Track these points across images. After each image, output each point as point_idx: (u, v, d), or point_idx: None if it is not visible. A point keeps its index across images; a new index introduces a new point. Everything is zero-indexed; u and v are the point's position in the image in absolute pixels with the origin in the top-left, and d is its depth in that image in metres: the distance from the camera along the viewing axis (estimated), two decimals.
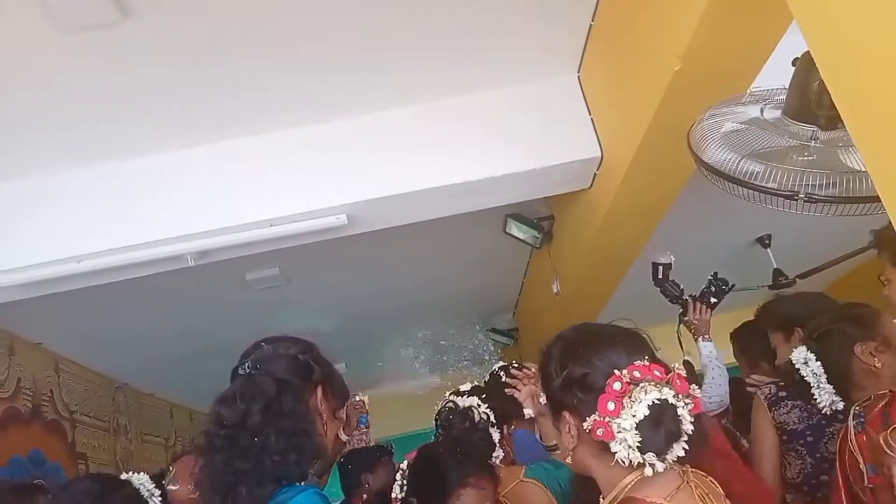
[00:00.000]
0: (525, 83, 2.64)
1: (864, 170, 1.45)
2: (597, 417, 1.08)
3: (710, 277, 2.70)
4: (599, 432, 1.08)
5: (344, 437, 1.60)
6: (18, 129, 2.29)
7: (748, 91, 1.78)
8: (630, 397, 1.07)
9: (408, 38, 2.29)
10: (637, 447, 1.05)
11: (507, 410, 2.11)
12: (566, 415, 1.16)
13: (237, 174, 2.54)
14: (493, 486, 1.75)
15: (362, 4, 2.10)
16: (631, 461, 1.06)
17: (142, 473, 1.82)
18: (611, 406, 1.07)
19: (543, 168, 2.60)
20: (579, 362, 1.15)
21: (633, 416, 1.05)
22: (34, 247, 2.47)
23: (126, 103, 2.28)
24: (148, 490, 1.78)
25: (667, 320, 2.72)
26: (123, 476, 1.82)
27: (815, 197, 1.42)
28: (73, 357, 4.00)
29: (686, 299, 2.69)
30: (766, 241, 4.42)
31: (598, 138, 2.58)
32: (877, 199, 1.34)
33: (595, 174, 2.68)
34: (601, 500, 1.16)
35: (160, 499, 1.78)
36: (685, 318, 2.67)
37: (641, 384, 1.08)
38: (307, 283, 3.74)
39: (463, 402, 2.06)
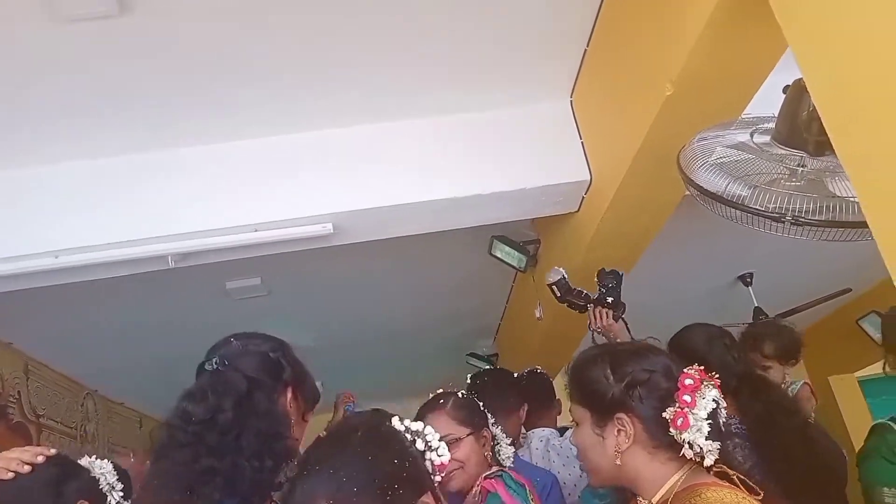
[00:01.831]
0: (518, 105, 2.66)
1: (850, 197, 1.47)
2: (676, 409, 1.24)
3: (598, 275, 2.56)
4: (679, 422, 1.22)
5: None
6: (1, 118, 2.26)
7: (738, 118, 1.80)
8: (699, 392, 1.24)
9: (404, 56, 2.30)
10: (707, 435, 1.20)
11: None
12: (623, 417, 1.28)
13: (224, 177, 2.52)
14: None
15: (361, 22, 2.11)
16: (701, 448, 1.20)
17: (106, 462, 1.63)
18: (687, 398, 1.23)
19: (532, 189, 2.61)
20: (640, 366, 1.30)
21: (705, 408, 1.22)
22: (11, 239, 2.41)
23: (115, 100, 2.26)
24: (109, 483, 1.60)
25: None
26: (84, 461, 1.62)
27: (802, 220, 1.43)
28: (44, 360, 3.92)
29: (588, 306, 2.54)
30: (748, 280, 4.47)
31: (587, 162, 2.60)
32: (863, 224, 1.35)
33: (583, 198, 2.69)
34: (639, 500, 1.27)
35: (121, 493, 1.60)
36: (591, 329, 2.53)
37: (705, 382, 1.26)
38: (288, 295, 3.70)
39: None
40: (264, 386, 1.36)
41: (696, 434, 1.20)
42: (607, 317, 2.47)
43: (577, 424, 1.38)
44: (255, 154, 2.56)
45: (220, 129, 2.49)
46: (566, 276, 2.61)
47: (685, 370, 1.28)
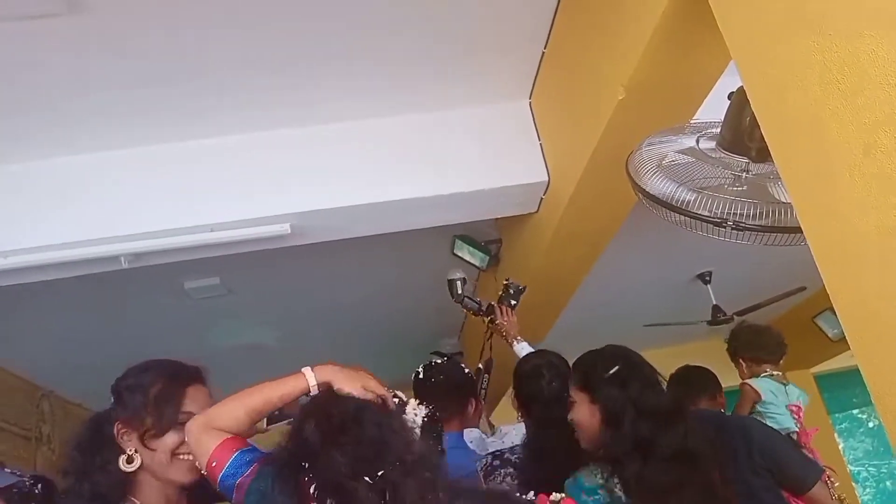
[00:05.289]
0: (478, 106, 2.67)
1: (790, 202, 1.50)
2: None
3: (504, 283, 2.92)
4: None
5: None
6: None
7: (688, 123, 1.83)
8: None
9: (363, 56, 2.30)
10: None
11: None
12: None
13: (179, 176, 2.49)
14: None
15: (320, 20, 2.10)
16: None
17: None
18: None
19: (492, 189, 2.62)
20: None
21: None
22: None
23: (65, 97, 2.22)
24: None
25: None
26: None
27: (743, 225, 1.46)
28: None
29: (492, 304, 2.89)
30: (707, 278, 4.54)
31: (545, 163, 2.62)
32: (801, 229, 1.38)
33: (542, 198, 2.71)
34: None
35: None
36: (496, 322, 2.85)
37: None
38: (249, 294, 3.67)
39: None
40: (94, 422, 1.49)
41: None
42: (510, 314, 2.82)
43: None
44: (212, 153, 2.53)
45: (175, 128, 2.46)
46: (466, 278, 3.07)
47: None
